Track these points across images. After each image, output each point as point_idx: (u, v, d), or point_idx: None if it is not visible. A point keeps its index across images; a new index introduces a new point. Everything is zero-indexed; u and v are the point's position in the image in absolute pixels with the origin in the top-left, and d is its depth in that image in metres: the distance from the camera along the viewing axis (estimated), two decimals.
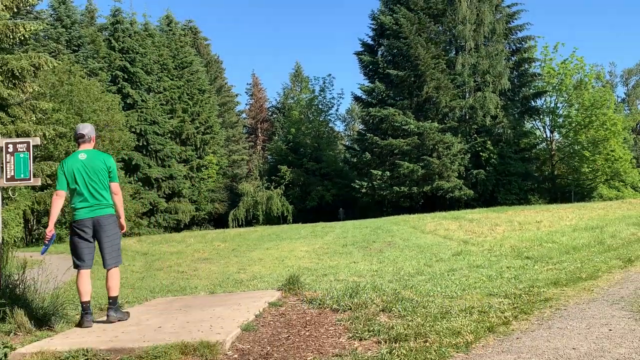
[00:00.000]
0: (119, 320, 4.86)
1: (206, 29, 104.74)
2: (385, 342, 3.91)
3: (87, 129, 5.00)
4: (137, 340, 4.03)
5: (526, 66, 38.84)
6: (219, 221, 43.09)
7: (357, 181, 36.54)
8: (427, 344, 3.79)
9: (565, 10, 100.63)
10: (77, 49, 36.76)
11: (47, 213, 25.32)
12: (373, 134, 36.26)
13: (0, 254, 5.36)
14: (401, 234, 15.87)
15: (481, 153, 35.06)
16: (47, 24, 33.69)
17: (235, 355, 3.81)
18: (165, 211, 39.85)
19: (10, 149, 5.52)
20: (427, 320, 4.43)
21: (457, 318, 4.48)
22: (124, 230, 5.11)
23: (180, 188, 41.02)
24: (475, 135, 36.28)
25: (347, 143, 54.28)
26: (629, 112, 56.41)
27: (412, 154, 34.66)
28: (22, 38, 19.10)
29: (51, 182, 23.82)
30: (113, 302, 4.90)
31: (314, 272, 9.23)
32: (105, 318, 4.94)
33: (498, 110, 35.39)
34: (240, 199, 42.60)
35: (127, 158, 35.06)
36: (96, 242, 4.86)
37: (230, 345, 3.97)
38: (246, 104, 66.21)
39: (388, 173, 34.85)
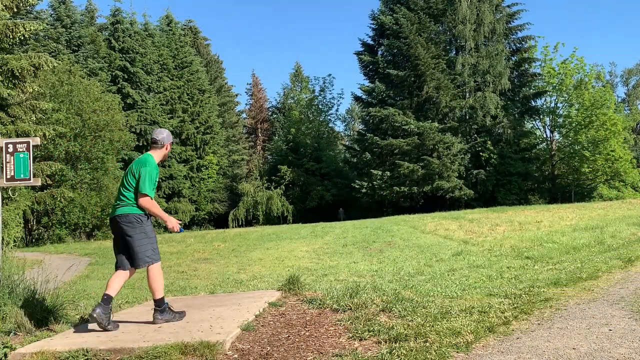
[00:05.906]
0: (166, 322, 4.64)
1: (206, 29, 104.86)
2: (385, 342, 3.91)
3: (162, 134, 4.88)
4: (137, 340, 4.02)
5: (526, 66, 38.81)
6: (219, 221, 43.07)
7: (357, 181, 36.52)
8: (427, 344, 3.79)
9: (565, 10, 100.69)
10: (77, 49, 36.75)
11: (46, 213, 25.35)
12: (373, 134, 36.23)
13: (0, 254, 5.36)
14: (401, 234, 15.86)
15: (481, 153, 35.04)
16: (47, 24, 33.70)
17: (235, 355, 3.81)
18: (165, 211, 39.72)
19: (10, 149, 5.52)
20: (427, 320, 4.43)
21: (457, 318, 4.48)
22: None
23: (180, 188, 41.05)
24: (475, 135, 36.26)
25: (347, 143, 54.28)
26: (629, 112, 56.37)
27: (412, 154, 34.64)
28: (22, 38, 19.10)
29: (51, 182, 23.84)
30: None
31: (314, 272, 9.24)
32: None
33: (498, 110, 35.37)
34: (240, 199, 42.59)
35: (127, 158, 35.07)
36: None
37: (230, 345, 3.97)
38: (246, 104, 66.29)
39: (388, 173, 34.83)
